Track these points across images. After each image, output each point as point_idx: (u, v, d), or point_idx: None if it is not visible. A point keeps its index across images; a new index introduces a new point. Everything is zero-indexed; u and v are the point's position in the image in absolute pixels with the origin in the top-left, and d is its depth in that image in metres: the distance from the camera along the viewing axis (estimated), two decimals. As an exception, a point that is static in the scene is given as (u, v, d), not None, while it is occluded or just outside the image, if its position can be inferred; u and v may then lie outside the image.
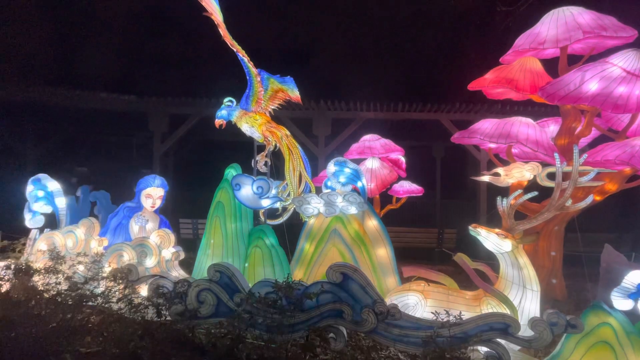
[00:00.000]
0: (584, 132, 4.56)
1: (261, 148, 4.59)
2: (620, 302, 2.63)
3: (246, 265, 4.11)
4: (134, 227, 4.56)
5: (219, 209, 4.23)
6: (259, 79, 4.25)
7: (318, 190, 4.48)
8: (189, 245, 6.88)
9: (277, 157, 4.78)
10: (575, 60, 4.96)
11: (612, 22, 4.58)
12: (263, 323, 2.57)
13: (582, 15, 4.65)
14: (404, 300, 3.33)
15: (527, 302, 3.04)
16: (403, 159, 6.51)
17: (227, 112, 4.45)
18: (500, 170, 4.71)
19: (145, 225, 4.52)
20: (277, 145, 4.48)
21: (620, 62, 4.05)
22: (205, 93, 8.42)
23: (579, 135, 4.59)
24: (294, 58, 13.30)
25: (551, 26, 4.75)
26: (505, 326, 2.51)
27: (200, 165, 10.74)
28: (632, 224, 7.94)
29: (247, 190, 4.12)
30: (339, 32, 13.20)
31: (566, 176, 3.36)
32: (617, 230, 7.46)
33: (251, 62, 4.22)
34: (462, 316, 2.50)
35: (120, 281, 3.25)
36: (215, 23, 4.04)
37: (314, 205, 4.08)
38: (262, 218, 4.56)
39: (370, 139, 6.32)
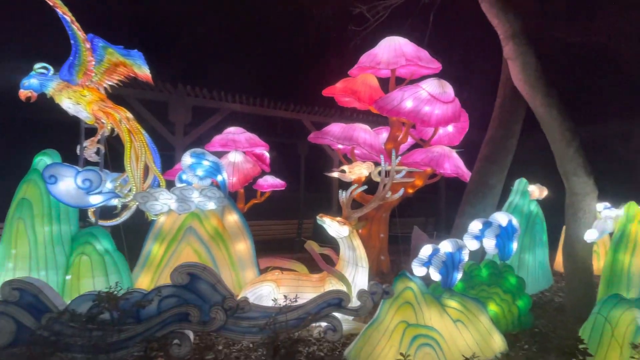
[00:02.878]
0: (403, 140, 5.78)
1: (92, 132, 3.79)
2: (418, 270, 3.44)
3: (67, 277, 3.33)
4: None
5: (23, 209, 3.26)
6: (88, 45, 3.48)
7: (172, 185, 4.06)
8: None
9: (121, 145, 4.06)
10: (402, 81, 6.20)
11: (425, 55, 5.90)
12: (83, 344, 2.13)
13: (406, 46, 5.83)
14: (258, 292, 3.42)
15: (358, 277, 3.63)
16: (267, 154, 6.64)
17: (39, 81, 3.47)
18: (345, 167, 5.44)
19: None
20: (116, 129, 3.79)
21: (427, 87, 5.27)
22: (5, 55, 6.27)
23: (400, 142, 5.79)
24: (150, 31, 11.52)
25: (385, 50, 5.78)
26: (339, 301, 2.89)
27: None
28: (434, 211, 10.68)
29: (68, 184, 3.32)
30: (210, 12, 12.21)
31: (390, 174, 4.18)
32: (424, 215, 9.82)
33: (77, 24, 3.40)
34: (297, 298, 2.73)
35: None
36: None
37: (163, 202, 3.67)
38: (92, 218, 3.79)
39: (235, 132, 6.16)
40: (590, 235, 4.10)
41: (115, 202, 3.82)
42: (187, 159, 4.00)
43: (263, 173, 6.44)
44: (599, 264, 5.92)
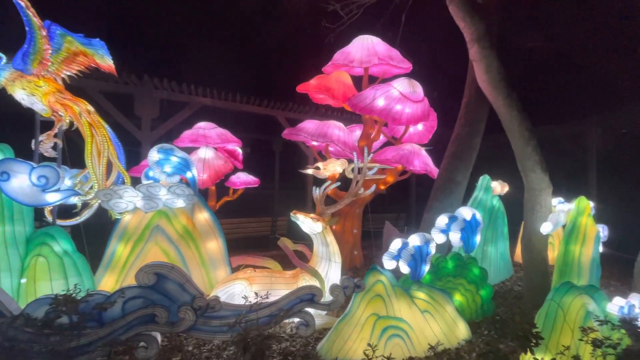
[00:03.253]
0: (376, 137, 5.89)
1: (49, 125, 3.55)
2: (388, 264, 3.54)
3: (22, 281, 3.11)
4: None
5: (-30, 208, 3.00)
6: (44, 33, 3.24)
7: (138, 182, 3.89)
8: None
9: (81, 139, 3.83)
10: (374, 79, 6.29)
11: (397, 55, 6.02)
12: (40, 350, 2.01)
13: (379, 45, 5.92)
14: (229, 290, 3.38)
15: (331, 272, 3.67)
16: (240, 150, 6.52)
17: (-11, 70, 3.20)
18: (320, 164, 5.46)
19: None
20: (75, 122, 3.57)
21: (398, 87, 5.38)
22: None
23: (373, 140, 5.90)
24: (114, 19, 10.90)
25: (358, 49, 5.85)
26: (312, 296, 2.91)
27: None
28: (405, 206, 11.02)
29: (22, 180, 3.09)
30: (181, 2, 11.72)
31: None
32: (396, 211, 10.10)
33: (32, 10, 3.17)
34: (269, 295, 2.72)
35: None
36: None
37: (128, 199, 3.52)
38: (49, 218, 3.55)
39: (206, 127, 5.97)
40: (545, 228, 4.41)
41: (75, 200, 3.60)
42: (154, 154, 3.85)
43: (235, 170, 6.32)
44: (554, 254, 6.38)
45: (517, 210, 5.11)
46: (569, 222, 4.50)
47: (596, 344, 2.22)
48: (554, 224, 4.45)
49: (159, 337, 2.50)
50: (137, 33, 11.45)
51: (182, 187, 3.88)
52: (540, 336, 2.04)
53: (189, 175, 4.11)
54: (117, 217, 3.73)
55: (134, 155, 6.59)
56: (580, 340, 2.44)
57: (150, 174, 3.95)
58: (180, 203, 3.86)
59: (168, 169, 3.94)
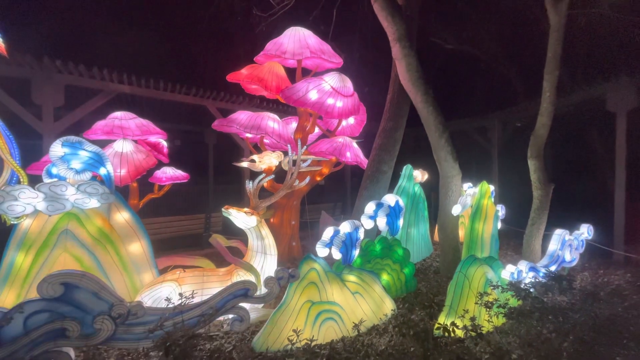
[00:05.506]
0: (311, 130, 6.01)
1: None
2: (321, 251, 3.71)
3: None
4: None
5: None
6: None
7: (39, 180, 3.39)
8: None
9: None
10: (307, 72, 6.35)
11: (328, 49, 6.13)
12: None
13: (310, 38, 5.97)
14: (156, 294, 3.20)
15: (267, 266, 3.71)
16: (165, 143, 6.04)
17: None
18: (255, 157, 5.37)
19: None
20: None
21: (330, 81, 5.52)
22: None
23: (308, 132, 6.00)
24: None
25: (290, 40, 5.82)
26: (245, 291, 2.92)
27: None
28: (342, 196, 11.51)
29: None
30: None
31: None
32: (333, 201, 10.47)
33: None
34: (201, 294, 2.67)
35: None
36: None
37: (26, 201, 3.05)
38: None
39: (123, 117, 5.35)
40: (455, 210, 5.04)
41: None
42: (57, 149, 3.38)
43: (161, 164, 5.85)
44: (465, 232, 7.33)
45: (435, 195, 5.74)
46: (474, 203, 5.21)
47: (487, 305, 2.67)
48: (463, 206, 5.11)
49: (71, 353, 2.26)
50: (38, 8, 9.70)
51: (95, 185, 3.49)
52: (439, 304, 2.37)
53: (102, 171, 3.70)
54: (13, 222, 3.21)
55: (35, 150, 5.68)
56: (476, 303, 2.90)
57: (54, 171, 3.47)
58: (93, 203, 3.47)
59: (76, 164, 3.50)
